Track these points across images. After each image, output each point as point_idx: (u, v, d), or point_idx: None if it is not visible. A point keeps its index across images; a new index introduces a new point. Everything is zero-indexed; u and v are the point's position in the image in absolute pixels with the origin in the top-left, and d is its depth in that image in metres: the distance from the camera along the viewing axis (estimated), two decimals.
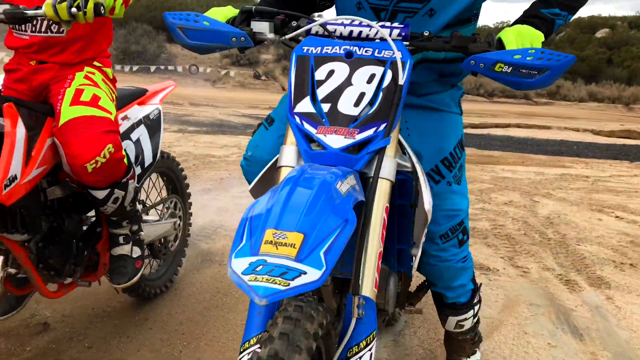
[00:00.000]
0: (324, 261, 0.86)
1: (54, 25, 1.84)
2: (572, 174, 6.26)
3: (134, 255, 2.11)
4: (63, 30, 1.85)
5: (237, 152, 6.58)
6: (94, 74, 1.95)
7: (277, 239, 0.89)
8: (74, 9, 1.56)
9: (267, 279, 0.82)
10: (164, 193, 2.83)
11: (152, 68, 20.28)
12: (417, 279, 1.99)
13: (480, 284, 1.99)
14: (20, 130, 1.62)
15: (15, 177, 1.57)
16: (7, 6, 1.65)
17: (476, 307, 1.90)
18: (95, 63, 2.00)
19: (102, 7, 1.63)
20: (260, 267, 0.84)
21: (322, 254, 0.87)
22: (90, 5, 1.58)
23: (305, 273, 0.84)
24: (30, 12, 1.64)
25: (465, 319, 1.89)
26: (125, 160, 1.89)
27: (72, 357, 2.16)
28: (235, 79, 24.66)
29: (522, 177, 5.85)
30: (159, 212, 2.70)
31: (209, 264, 3.14)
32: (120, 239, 2.09)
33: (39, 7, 1.62)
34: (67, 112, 1.78)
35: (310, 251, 0.87)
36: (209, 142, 7.13)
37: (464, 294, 1.85)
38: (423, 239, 1.45)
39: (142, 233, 2.20)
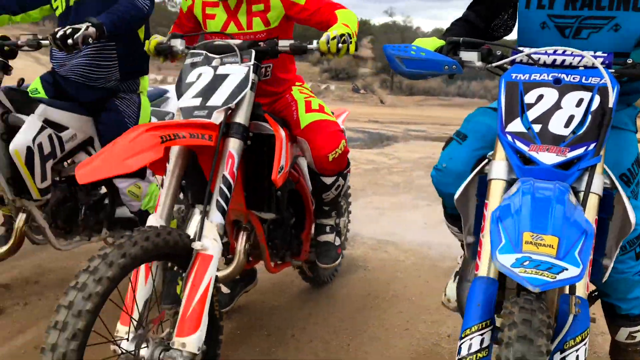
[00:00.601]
0: (580, 260, 1.04)
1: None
2: None
3: (336, 243, 2.50)
4: (268, 74, 2.22)
5: (354, 165, 6.85)
6: (302, 89, 2.37)
7: (535, 240, 1.08)
8: (340, 44, 1.89)
9: (535, 272, 1.02)
10: None
11: None
12: None
13: None
14: (282, 133, 2.05)
15: (282, 167, 1.99)
16: (291, 41, 1.97)
17: None
18: (297, 82, 2.40)
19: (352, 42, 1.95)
20: (527, 262, 1.04)
21: (577, 254, 1.05)
22: (354, 40, 1.95)
23: (566, 269, 1.02)
24: (311, 47, 1.95)
25: (638, 331, 1.95)
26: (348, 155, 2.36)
27: (255, 342, 2.48)
28: (334, 93, 25.29)
29: None
30: None
31: (355, 268, 3.39)
32: (327, 228, 2.50)
33: (311, 42, 1.95)
34: (306, 118, 2.25)
35: (566, 252, 1.05)
36: None
37: (638, 306, 1.92)
38: (617, 251, 1.57)
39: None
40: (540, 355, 1.12)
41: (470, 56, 1.61)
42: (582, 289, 1.33)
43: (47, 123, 2.36)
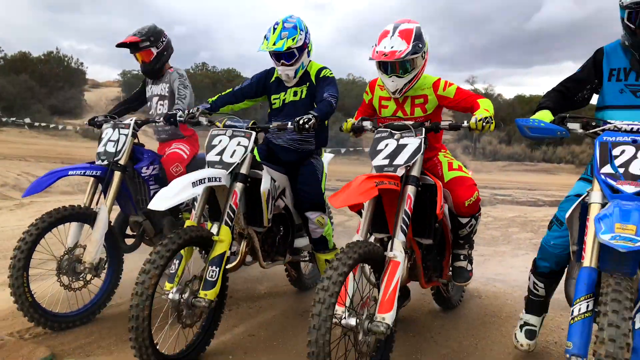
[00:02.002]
0: None
1: None
2: None
3: (468, 268, 3.32)
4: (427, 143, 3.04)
5: None
6: (445, 154, 3.28)
7: (623, 227, 1.93)
8: (484, 124, 2.76)
9: (623, 242, 1.86)
10: None
11: (342, 150, 22.69)
12: None
13: None
14: (440, 183, 2.92)
15: (442, 206, 2.84)
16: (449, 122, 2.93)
17: None
18: (442, 150, 3.32)
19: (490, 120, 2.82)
20: (618, 238, 1.89)
21: None
22: (494, 121, 2.80)
23: None
24: (464, 125, 2.83)
25: None
26: (480, 202, 3.15)
27: (404, 340, 3.32)
28: None
29: None
30: None
31: (471, 298, 4.18)
32: (461, 257, 3.31)
33: (463, 122, 2.83)
34: (448, 174, 3.12)
35: None
36: None
37: None
38: None
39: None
40: (624, 321, 1.92)
41: (575, 126, 2.50)
42: None
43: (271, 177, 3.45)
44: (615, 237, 1.91)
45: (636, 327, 2.10)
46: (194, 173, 3.01)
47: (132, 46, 4.21)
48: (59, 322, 3.33)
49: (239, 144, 3.19)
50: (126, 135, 3.74)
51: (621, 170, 2.29)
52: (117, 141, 3.72)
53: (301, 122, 3.08)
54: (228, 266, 3.10)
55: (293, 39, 3.40)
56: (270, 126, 3.35)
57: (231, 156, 3.15)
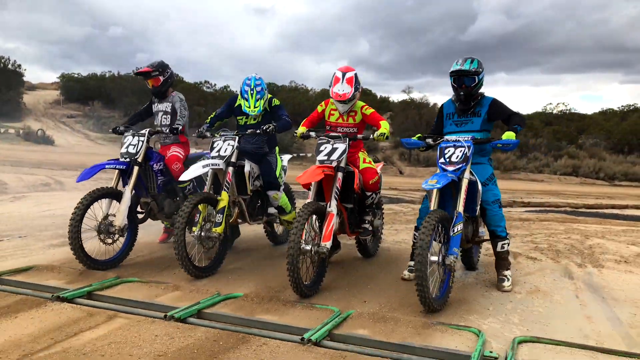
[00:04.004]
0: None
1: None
2: (634, 229, 8.64)
3: (369, 228, 5.40)
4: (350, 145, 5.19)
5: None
6: (362, 153, 5.32)
7: (431, 181, 4.07)
8: (380, 136, 4.86)
9: (428, 185, 4.00)
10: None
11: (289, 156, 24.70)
12: None
13: None
14: (357, 170, 5.04)
15: (358, 183, 5.01)
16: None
17: None
18: (361, 150, 5.37)
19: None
20: (427, 184, 4.02)
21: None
22: (388, 134, 4.90)
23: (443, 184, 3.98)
24: (371, 137, 5.03)
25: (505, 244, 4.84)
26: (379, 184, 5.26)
27: (336, 279, 5.33)
28: None
29: (589, 229, 8.40)
30: None
31: (382, 251, 6.26)
32: (366, 221, 5.40)
33: (369, 136, 5.01)
34: (362, 165, 5.20)
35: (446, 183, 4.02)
36: None
37: (503, 229, 4.81)
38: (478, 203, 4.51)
39: None
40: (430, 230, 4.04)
41: (429, 140, 4.64)
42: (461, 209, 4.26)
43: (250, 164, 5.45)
44: (425, 183, 4.06)
45: (452, 234, 4.20)
46: (202, 162, 5.06)
47: (145, 74, 6.03)
48: (99, 266, 5.09)
49: (229, 144, 5.24)
50: (143, 141, 5.56)
51: (447, 159, 4.44)
52: (136, 145, 5.54)
53: (265, 128, 5.27)
54: (229, 222, 5.13)
55: (263, 99, 5.56)
56: (247, 132, 5.38)
57: (225, 151, 5.17)
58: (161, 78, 6.06)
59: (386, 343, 3.42)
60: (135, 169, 5.47)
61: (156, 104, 6.27)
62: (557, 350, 3.41)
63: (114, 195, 5.29)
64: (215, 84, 46.01)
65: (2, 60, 36.86)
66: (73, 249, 4.88)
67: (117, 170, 5.48)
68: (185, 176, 5.09)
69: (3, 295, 4.15)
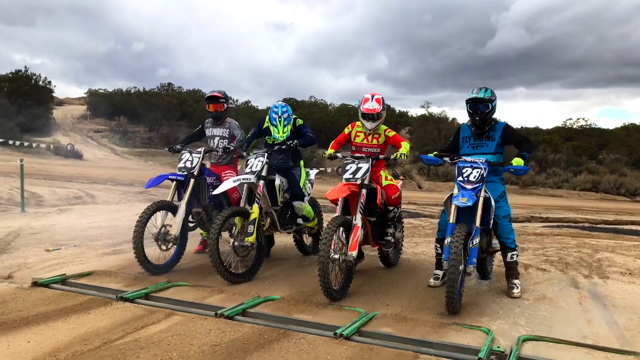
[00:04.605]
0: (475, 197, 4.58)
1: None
2: None
3: (392, 240, 5.99)
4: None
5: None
6: (384, 171, 5.94)
7: (460, 199, 4.63)
8: (402, 157, 5.52)
9: (459, 203, 4.57)
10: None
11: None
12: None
13: None
14: (379, 187, 5.67)
15: (381, 199, 5.66)
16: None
17: None
18: (382, 169, 5.98)
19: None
20: (457, 201, 4.60)
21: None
22: (408, 155, 5.56)
23: (469, 203, 4.57)
24: (391, 157, 5.68)
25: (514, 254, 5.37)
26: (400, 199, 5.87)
27: (362, 286, 5.90)
28: None
29: (601, 244, 8.84)
30: None
31: (403, 262, 6.82)
32: (388, 233, 5.98)
33: (390, 156, 5.65)
34: (384, 182, 5.82)
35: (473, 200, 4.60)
36: None
37: (512, 241, 5.34)
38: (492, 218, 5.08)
39: None
40: (460, 243, 4.59)
41: (447, 159, 5.22)
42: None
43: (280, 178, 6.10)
44: (456, 199, 4.62)
45: (471, 245, 4.74)
46: (234, 177, 5.84)
47: (214, 99, 6.71)
48: (157, 269, 5.76)
49: (259, 160, 5.90)
50: (198, 158, 6.24)
51: (465, 178, 5.00)
52: (193, 160, 6.22)
53: (290, 143, 5.98)
54: (262, 231, 5.77)
55: (290, 124, 6.24)
56: (274, 149, 6.04)
57: (255, 167, 5.84)
58: (225, 105, 6.77)
59: (407, 339, 3.98)
60: (192, 180, 6.15)
61: (211, 128, 6.93)
62: (557, 348, 3.93)
63: (170, 208, 5.96)
64: (237, 100, 47.04)
65: (33, 77, 38.32)
66: (136, 254, 5.55)
67: (173, 184, 6.16)
68: (218, 190, 5.85)
69: (74, 295, 4.82)
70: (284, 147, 6.07)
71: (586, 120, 49.73)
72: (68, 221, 9.08)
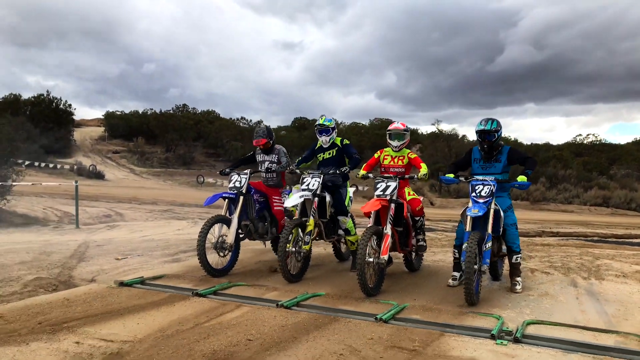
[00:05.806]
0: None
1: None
2: None
3: (424, 245, 7.07)
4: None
5: None
6: (408, 188, 7.04)
7: (473, 210, 5.71)
8: (423, 177, 6.66)
9: (472, 213, 5.64)
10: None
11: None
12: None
13: None
14: (405, 202, 6.73)
15: (407, 211, 6.69)
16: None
17: None
18: (407, 185, 7.08)
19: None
20: (470, 212, 5.67)
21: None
22: (428, 174, 6.68)
23: (480, 214, 5.63)
24: (415, 177, 6.78)
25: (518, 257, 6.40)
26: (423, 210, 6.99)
27: (388, 288, 6.94)
28: None
29: (603, 253, 9.81)
30: None
31: (425, 267, 7.86)
32: (419, 239, 7.08)
33: (413, 176, 6.76)
34: (409, 197, 6.91)
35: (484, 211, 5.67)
36: None
37: (517, 245, 6.38)
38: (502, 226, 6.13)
39: None
40: (474, 247, 5.64)
41: (462, 178, 6.30)
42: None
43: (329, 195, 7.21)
44: (470, 211, 5.69)
45: (484, 248, 5.79)
46: (299, 193, 6.84)
47: (264, 145, 7.80)
48: (216, 273, 6.85)
49: (315, 180, 7.00)
50: (246, 178, 7.36)
51: (478, 194, 6.07)
52: (241, 181, 7.33)
53: (343, 170, 7.05)
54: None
55: (331, 137, 7.42)
56: (330, 172, 7.13)
57: (312, 186, 6.92)
58: (271, 142, 7.86)
59: (434, 323, 5.03)
60: (241, 198, 7.27)
61: (261, 155, 8.01)
62: (554, 328, 4.95)
63: (225, 221, 7.06)
64: (250, 120, 48.40)
65: (55, 101, 39.98)
66: (200, 259, 6.65)
67: (226, 202, 7.29)
68: (289, 203, 7.04)
69: (156, 293, 5.91)
70: (338, 172, 7.18)
71: (596, 136, 50.56)
72: (122, 235, 10.22)
